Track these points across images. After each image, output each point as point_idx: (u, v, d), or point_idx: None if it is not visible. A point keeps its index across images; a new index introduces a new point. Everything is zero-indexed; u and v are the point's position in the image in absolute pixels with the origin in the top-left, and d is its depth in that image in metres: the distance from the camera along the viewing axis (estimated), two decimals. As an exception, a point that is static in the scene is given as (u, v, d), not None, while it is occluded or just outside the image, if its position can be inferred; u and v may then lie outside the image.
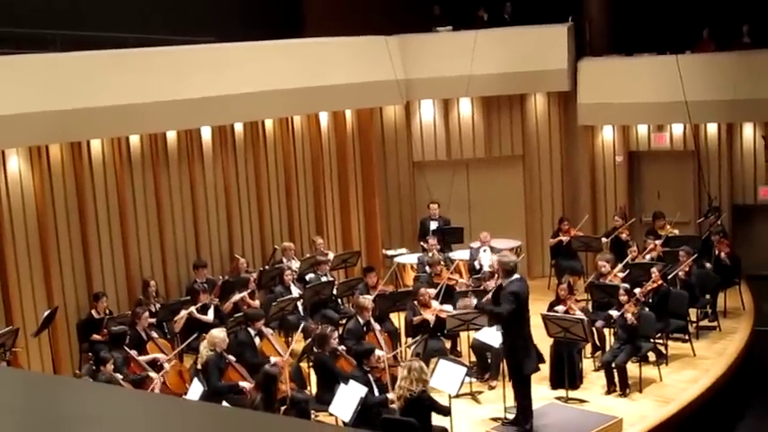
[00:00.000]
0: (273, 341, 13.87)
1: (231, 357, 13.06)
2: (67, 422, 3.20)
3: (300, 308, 15.64)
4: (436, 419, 11.56)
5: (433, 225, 18.58)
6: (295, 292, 15.80)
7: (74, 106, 14.58)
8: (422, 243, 17.89)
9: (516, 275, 11.89)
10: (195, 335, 14.18)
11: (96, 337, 14.64)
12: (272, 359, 13.23)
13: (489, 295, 12.35)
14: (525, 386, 12.13)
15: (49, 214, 15.17)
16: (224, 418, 3.20)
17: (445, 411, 11.48)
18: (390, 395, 11.74)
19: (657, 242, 16.86)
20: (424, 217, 18.93)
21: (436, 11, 20.91)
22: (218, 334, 13.07)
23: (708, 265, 16.85)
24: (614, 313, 14.26)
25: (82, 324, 15.09)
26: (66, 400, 3.40)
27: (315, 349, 13.23)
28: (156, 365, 13.46)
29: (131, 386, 12.61)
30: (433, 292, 15.06)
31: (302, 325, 14.37)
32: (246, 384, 12.49)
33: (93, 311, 14.97)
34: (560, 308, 14.37)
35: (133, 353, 13.39)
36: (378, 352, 13.07)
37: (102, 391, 3.84)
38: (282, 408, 11.62)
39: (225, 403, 11.55)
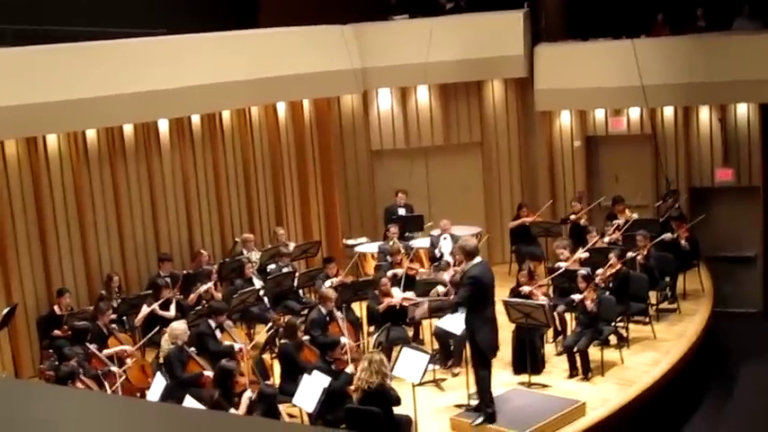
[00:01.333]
0: (233, 334, 13.82)
1: (192, 350, 13.01)
2: (23, 427, 3.17)
3: (264, 299, 15.59)
4: (400, 408, 11.57)
5: (401, 212, 18.58)
6: (257, 283, 15.75)
7: (28, 101, 14.44)
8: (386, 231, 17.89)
9: (478, 258, 11.88)
10: (156, 329, 14.12)
11: (57, 332, 14.53)
12: (236, 346, 13.22)
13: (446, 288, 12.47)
14: (485, 369, 12.15)
15: (6, 211, 15.04)
16: (183, 420, 3.18)
17: (397, 401, 11.43)
18: (350, 372, 11.77)
19: (616, 227, 16.95)
20: (390, 204, 18.90)
21: (392, -1, 20.87)
22: (179, 326, 13.02)
23: (668, 235, 16.90)
24: (576, 297, 14.33)
25: (42, 320, 14.98)
26: (23, 404, 3.37)
27: (280, 340, 13.20)
28: (117, 360, 13.39)
29: (93, 381, 12.54)
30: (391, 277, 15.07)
31: (258, 316, 14.33)
32: (209, 373, 12.44)
33: (56, 307, 14.85)
34: (526, 288, 14.41)
35: (94, 347, 13.31)
36: (343, 339, 13.09)
37: (60, 394, 3.80)
38: (244, 398, 11.56)
39: (188, 396, 11.52)
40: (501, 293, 14.00)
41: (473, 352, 12.32)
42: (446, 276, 14.74)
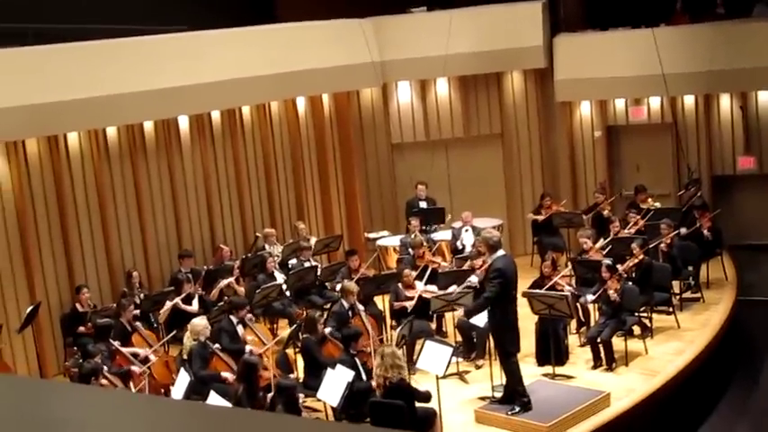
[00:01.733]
0: (256, 329, 13.85)
1: (216, 346, 13.03)
2: (48, 427, 3.18)
3: (287, 294, 15.60)
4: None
5: (422, 205, 18.56)
6: (279, 278, 15.75)
7: (49, 99, 14.51)
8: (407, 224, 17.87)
9: (501, 251, 11.88)
10: (180, 326, 14.16)
11: (81, 330, 14.59)
12: (248, 348, 13.24)
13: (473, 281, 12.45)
14: (512, 363, 12.14)
15: (28, 209, 15.10)
16: (207, 418, 3.18)
17: (426, 398, 11.42)
18: (373, 382, 11.74)
19: (639, 216, 16.90)
20: (411, 198, 18.88)
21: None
22: (200, 322, 13.03)
23: (683, 230, 16.85)
24: (590, 297, 14.34)
25: (66, 318, 15.05)
26: (48, 404, 3.37)
27: (302, 335, 13.21)
28: (141, 357, 13.43)
29: (118, 378, 12.58)
30: (415, 273, 15.07)
31: (281, 311, 14.35)
32: (229, 375, 12.45)
33: (78, 305, 14.91)
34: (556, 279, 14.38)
35: (118, 344, 13.35)
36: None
37: (85, 394, 3.81)
38: (269, 395, 11.59)
39: (212, 392, 11.54)
40: (523, 285, 13.96)
41: (497, 345, 12.31)
42: (478, 263, 14.68)
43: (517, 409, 12.12)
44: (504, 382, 12.53)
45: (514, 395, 12.22)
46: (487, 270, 12.03)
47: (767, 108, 18.49)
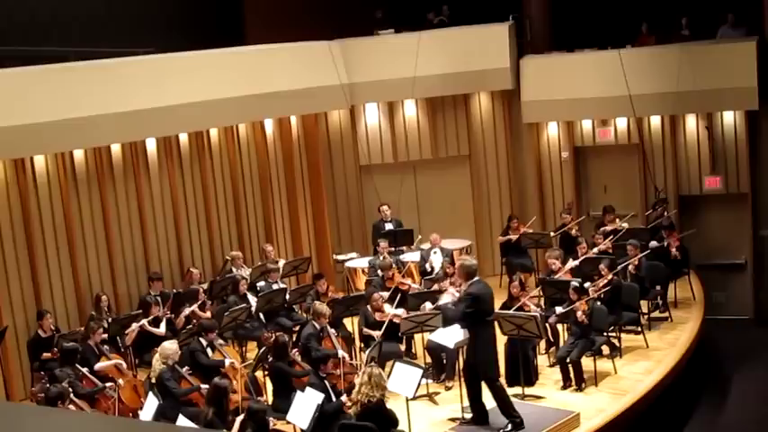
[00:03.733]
0: (224, 352, 13.78)
1: (184, 369, 12.95)
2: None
3: (256, 316, 15.54)
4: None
5: (388, 227, 18.56)
6: (252, 300, 15.69)
7: (15, 122, 14.41)
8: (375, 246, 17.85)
9: (476, 278, 11.93)
10: (148, 349, 14.07)
11: (46, 355, 14.44)
12: (227, 361, 13.20)
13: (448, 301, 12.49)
14: (498, 387, 12.17)
15: (-5, 233, 14.99)
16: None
17: (396, 423, 11.42)
18: (344, 398, 11.72)
19: (606, 237, 16.98)
20: (377, 220, 18.89)
21: (378, 14, 20.89)
22: (170, 346, 12.94)
23: (653, 243, 16.95)
24: (558, 309, 14.38)
25: (31, 343, 14.89)
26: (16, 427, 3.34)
27: (270, 358, 13.16)
28: (109, 381, 13.33)
29: (86, 402, 12.47)
30: (385, 295, 15.06)
31: (250, 334, 14.33)
32: (205, 386, 12.38)
33: (40, 330, 14.74)
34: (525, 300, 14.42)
35: (85, 370, 13.25)
36: (341, 352, 13.08)
37: (54, 416, 3.78)
38: (239, 418, 11.52)
39: (180, 416, 11.47)
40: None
41: (480, 373, 12.23)
42: (446, 284, 14.72)
43: (510, 427, 12.11)
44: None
45: (506, 415, 12.19)
46: (460, 296, 12.06)
47: (732, 128, 18.65)
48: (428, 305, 14.48)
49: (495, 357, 12.22)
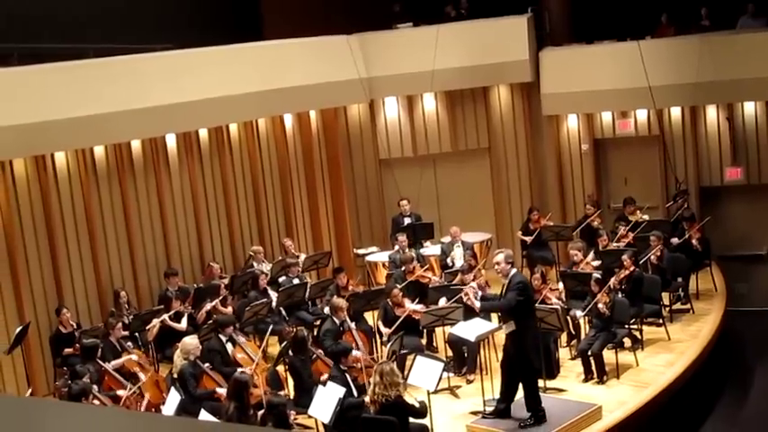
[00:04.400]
0: (245, 347, 13.81)
1: (206, 365, 12.98)
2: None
3: (276, 311, 15.56)
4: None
5: (407, 221, 18.54)
6: (273, 295, 15.71)
7: (36, 119, 14.46)
8: (393, 241, 17.83)
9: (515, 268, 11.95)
10: (169, 345, 14.11)
11: (68, 350, 14.52)
12: (240, 370, 13.18)
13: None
14: (535, 381, 12.18)
15: (16, 229, 15.05)
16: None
17: (421, 413, 11.37)
18: (366, 398, 11.68)
19: (627, 229, 16.92)
20: (396, 214, 18.87)
21: (396, 8, 20.87)
22: (191, 342, 12.98)
23: (674, 240, 16.92)
24: (578, 313, 14.32)
25: (54, 339, 14.97)
26: (41, 424, 3.35)
27: (291, 353, 13.17)
28: (130, 377, 13.38)
29: (108, 399, 12.52)
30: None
31: (272, 328, 14.34)
32: (222, 391, 12.41)
33: (60, 326, 14.84)
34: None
35: (107, 365, 13.30)
36: (355, 352, 13.03)
37: (77, 412, 3.78)
38: (260, 413, 11.54)
39: (203, 411, 11.50)
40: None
41: (521, 367, 12.14)
42: (469, 278, 14.71)
43: (532, 420, 12.07)
44: (494, 397, 12.54)
45: (532, 410, 12.12)
46: (507, 283, 11.93)
47: (753, 119, 18.55)
48: (443, 301, 14.46)
49: (539, 353, 12.24)
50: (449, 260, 17.30)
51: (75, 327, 14.85)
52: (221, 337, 13.70)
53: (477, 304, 12.83)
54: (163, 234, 16.98)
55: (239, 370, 13.01)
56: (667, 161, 19.06)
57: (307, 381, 12.64)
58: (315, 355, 13.22)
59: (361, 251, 19.11)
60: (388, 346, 13.92)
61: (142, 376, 13.41)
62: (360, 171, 19.92)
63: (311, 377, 12.79)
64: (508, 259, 11.97)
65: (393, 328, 14.19)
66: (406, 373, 12.80)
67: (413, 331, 14.33)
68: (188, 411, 11.91)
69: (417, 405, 11.34)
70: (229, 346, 13.72)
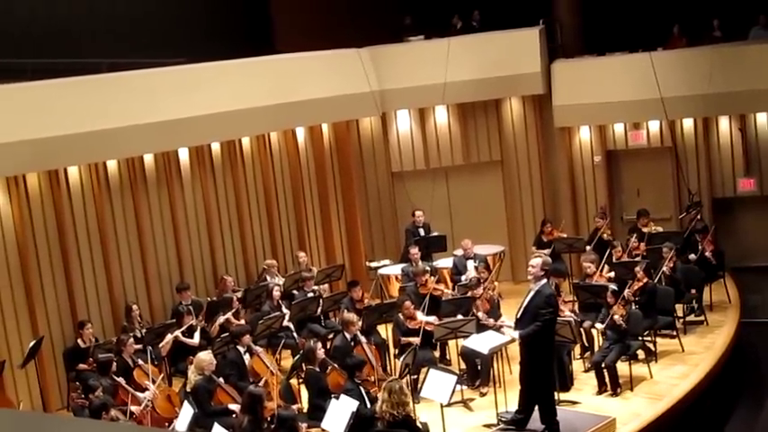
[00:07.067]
0: (263, 357, 13.83)
1: (220, 379, 12.99)
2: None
3: (289, 325, 15.56)
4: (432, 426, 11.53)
5: (421, 232, 18.52)
6: (285, 309, 15.72)
7: (49, 134, 14.53)
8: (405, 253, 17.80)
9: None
10: (183, 359, 14.12)
11: (83, 366, 14.51)
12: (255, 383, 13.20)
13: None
14: (551, 394, 12.17)
15: (30, 243, 15.10)
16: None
17: None
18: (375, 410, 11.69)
19: (638, 240, 16.89)
20: (409, 225, 18.84)
21: (407, 21, 20.89)
22: (205, 357, 12.99)
23: (692, 256, 16.90)
24: (599, 326, 14.25)
25: (68, 353, 14.99)
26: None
27: (304, 365, 13.17)
28: (144, 389, 13.39)
29: (122, 413, 12.52)
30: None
31: (284, 341, 14.34)
32: (236, 407, 12.40)
33: (79, 340, 14.86)
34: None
35: (120, 380, 13.31)
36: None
37: (90, 428, 3.79)
38: (271, 427, 11.54)
39: (216, 424, 11.49)
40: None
41: (537, 376, 12.06)
42: (479, 292, 14.68)
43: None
44: (508, 409, 12.51)
45: (546, 423, 12.06)
46: (537, 292, 11.79)
47: (766, 130, 18.52)
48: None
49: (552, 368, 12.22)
50: (463, 278, 17.02)
51: (94, 342, 14.86)
52: (239, 348, 13.71)
53: (515, 334, 12.42)
54: (176, 247, 17.01)
55: (254, 383, 13.04)
56: (680, 172, 19.03)
57: (327, 389, 12.60)
58: (330, 367, 13.20)
59: (373, 264, 19.09)
60: (401, 359, 13.89)
61: (152, 388, 13.39)
62: (372, 184, 19.93)
63: (327, 388, 12.76)
64: (544, 266, 11.87)
65: (419, 336, 14.12)
66: (419, 386, 12.79)
67: (426, 344, 14.30)
68: (201, 426, 11.91)
69: (421, 427, 11.35)
70: (246, 357, 13.72)
